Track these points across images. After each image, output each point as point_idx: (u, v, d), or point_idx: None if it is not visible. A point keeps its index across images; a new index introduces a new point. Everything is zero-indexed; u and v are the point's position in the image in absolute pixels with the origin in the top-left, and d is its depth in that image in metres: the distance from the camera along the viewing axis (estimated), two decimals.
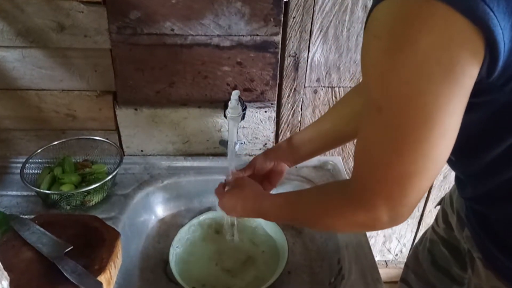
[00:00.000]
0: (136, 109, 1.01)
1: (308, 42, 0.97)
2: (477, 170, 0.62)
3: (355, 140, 1.01)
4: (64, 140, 0.99)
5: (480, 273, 0.68)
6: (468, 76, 0.44)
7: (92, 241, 0.76)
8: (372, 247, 0.87)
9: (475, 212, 0.68)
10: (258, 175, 0.86)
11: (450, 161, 0.67)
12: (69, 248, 0.73)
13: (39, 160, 0.98)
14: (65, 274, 0.67)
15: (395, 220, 0.52)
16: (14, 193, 0.95)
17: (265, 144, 1.08)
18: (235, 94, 0.85)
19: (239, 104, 0.86)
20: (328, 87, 1.04)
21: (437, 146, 0.47)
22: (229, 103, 0.85)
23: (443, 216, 0.85)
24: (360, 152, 0.54)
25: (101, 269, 0.70)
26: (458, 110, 0.46)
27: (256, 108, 1.02)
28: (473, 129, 0.54)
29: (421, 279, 0.93)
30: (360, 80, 1.03)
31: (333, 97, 1.06)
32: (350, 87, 1.04)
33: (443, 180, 1.22)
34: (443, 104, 0.44)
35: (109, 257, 0.73)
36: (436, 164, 0.48)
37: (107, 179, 0.90)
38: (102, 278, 0.69)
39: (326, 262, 0.91)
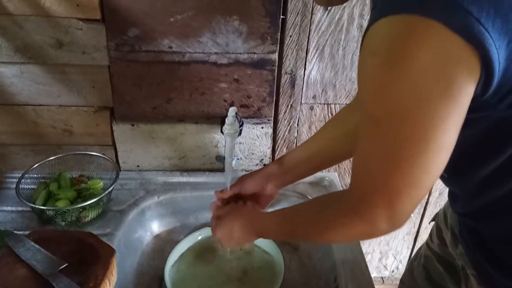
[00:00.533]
0: (133, 125, 1.01)
1: (304, 60, 0.98)
2: (470, 186, 0.63)
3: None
4: (60, 155, 0.99)
5: None
6: (464, 93, 0.45)
7: (87, 258, 0.75)
8: (368, 264, 0.86)
9: (469, 228, 0.68)
10: (245, 195, 0.85)
11: (443, 177, 0.68)
12: (64, 265, 0.72)
13: (35, 175, 0.97)
14: None
15: (393, 227, 0.54)
16: (9, 208, 0.94)
17: (262, 159, 1.08)
18: (232, 110, 0.85)
19: (236, 120, 0.87)
20: (324, 104, 1.05)
21: (433, 160, 0.48)
22: (226, 120, 0.85)
23: (437, 232, 0.85)
24: (359, 164, 0.55)
25: (96, 287, 0.69)
26: (454, 127, 0.47)
27: (253, 124, 1.03)
28: (467, 145, 0.55)
29: None
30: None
31: (329, 114, 1.07)
32: (346, 104, 1.05)
33: (439, 196, 1.23)
34: (440, 120, 0.45)
35: (104, 274, 0.72)
36: (431, 176, 0.50)
37: (102, 195, 0.90)
38: None
39: (323, 280, 0.91)
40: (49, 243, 0.78)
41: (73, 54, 0.92)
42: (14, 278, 0.70)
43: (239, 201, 0.84)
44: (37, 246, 0.76)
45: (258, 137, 1.04)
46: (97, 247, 0.77)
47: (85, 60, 0.92)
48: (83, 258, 0.75)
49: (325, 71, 1.00)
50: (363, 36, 0.50)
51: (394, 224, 0.53)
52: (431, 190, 1.22)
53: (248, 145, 1.06)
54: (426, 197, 1.24)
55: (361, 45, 0.51)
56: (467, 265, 0.70)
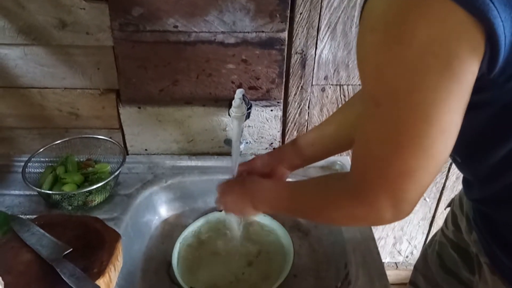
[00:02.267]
0: (139, 108, 0.99)
1: (315, 38, 0.94)
2: (483, 172, 0.60)
3: None
4: (67, 139, 0.98)
5: (487, 279, 0.66)
6: (467, 71, 0.42)
7: (92, 243, 0.74)
8: (381, 249, 0.84)
9: (482, 215, 0.66)
10: (256, 174, 0.83)
11: (456, 162, 0.65)
12: (69, 251, 0.71)
13: (42, 159, 0.97)
14: (63, 277, 0.66)
15: (397, 216, 0.51)
16: (17, 192, 0.94)
17: (271, 143, 1.05)
18: (239, 93, 0.82)
19: (243, 103, 0.84)
20: (337, 85, 1.01)
21: (436, 143, 0.45)
22: (233, 102, 0.83)
23: (452, 218, 0.82)
24: (360, 147, 0.53)
25: (100, 272, 0.68)
26: (458, 107, 0.44)
27: (262, 106, 0.99)
28: (478, 128, 0.52)
29: (430, 282, 0.90)
30: None
31: (342, 96, 1.02)
32: (359, 85, 1.01)
33: (456, 180, 1.18)
34: (442, 100, 0.43)
35: (109, 259, 0.71)
36: (436, 160, 0.47)
37: (109, 179, 0.88)
38: (101, 281, 0.68)
39: (333, 266, 0.88)
40: (54, 228, 0.77)
41: (77, 35, 0.89)
42: (19, 263, 0.69)
43: None
44: (42, 231, 0.75)
45: (267, 120, 1.01)
46: (103, 232, 0.76)
47: (89, 41, 0.90)
48: (88, 243, 0.74)
49: (338, 50, 0.96)
50: (362, 9, 0.47)
51: (398, 212, 0.50)
52: (448, 173, 1.17)
53: (257, 128, 1.03)
54: (443, 181, 1.19)
55: (360, 18, 0.48)
56: (480, 252, 0.67)
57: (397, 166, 0.47)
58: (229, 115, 0.96)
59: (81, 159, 1.00)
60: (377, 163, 0.49)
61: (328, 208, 0.59)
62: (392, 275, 1.41)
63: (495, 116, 0.50)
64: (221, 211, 1.00)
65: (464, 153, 0.53)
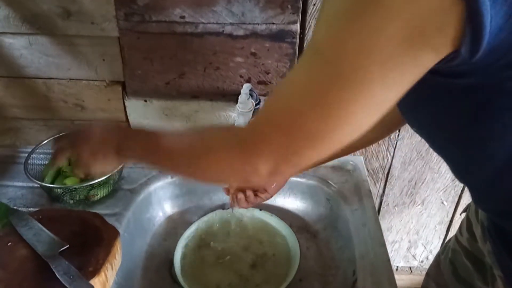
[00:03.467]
0: (145, 101, 0.96)
1: None
2: (480, 180, 0.54)
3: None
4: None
5: None
6: (429, 49, 0.37)
7: (90, 240, 0.72)
8: (395, 252, 0.79)
9: (496, 226, 0.61)
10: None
11: (451, 168, 0.59)
12: (64, 247, 0.69)
13: (47, 151, 0.95)
14: (57, 275, 0.64)
15: (272, 175, 0.46)
16: (20, 184, 0.93)
17: None
18: (245, 88, 0.79)
19: (250, 98, 0.80)
20: None
21: (358, 114, 0.40)
22: (239, 98, 0.79)
23: (467, 225, 0.77)
24: (274, 95, 0.46)
25: (96, 271, 0.66)
26: (399, 85, 0.39)
27: None
28: (469, 124, 0.46)
29: None
30: None
31: None
32: None
33: None
34: (388, 70, 0.37)
35: (106, 258, 0.69)
36: (346, 133, 0.42)
37: (111, 173, 0.86)
38: (96, 281, 0.65)
39: (341, 272, 0.84)
40: (53, 223, 0.75)
41: (82, 25, 0.87)
42: (14, 259, 0.68)
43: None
44: (39, 225, 0.73)
45: None
46: (101, 229, 0.74)
47: (94, 31, 0.87)
48: (86, 239, 0.72)
49: None
50: None
51: (276, 172, 0.45)
52: None
53: None
54: (462, 184, 1.13)
55: None
56: (494, 264, 0.63)
57: (303, 121, 0.42)
58: None
59: None
60: (283, 111, 0.43)
61: (200, 157, 0.51)
62: (406, 279, 1.36)
63: (484, 107, 0.44)
64: (227, 209, 0.97)
65: (460, 160, 0.47)
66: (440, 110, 0.47)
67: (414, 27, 0.35)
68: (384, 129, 0.75)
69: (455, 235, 0.83)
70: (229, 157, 0.48)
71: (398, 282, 0.75)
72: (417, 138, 1.03)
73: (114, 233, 0.74)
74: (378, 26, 0.36)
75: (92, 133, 0.62)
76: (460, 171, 0.57)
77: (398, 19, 0.35)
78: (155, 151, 0.56)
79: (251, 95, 0.83)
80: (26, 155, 0.92)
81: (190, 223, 0.94)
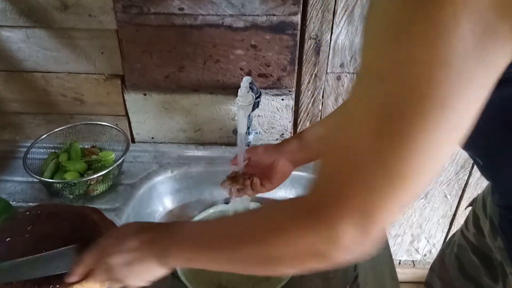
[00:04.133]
0: (145, 94, 0.95)
1: (331, 23, 0.87)
2: (507, 177, 0.53)
3: None
4: (70, 125, 0.95)
5: None
6: (503, 49, 0.32)
7: (88, 236, 0.71)
8: (398, 246, 0.78)
9: (510, 222, 0.59)
10: (255, 167, 0.75)
11: (478, 165, 0.58)
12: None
13: (47, 145, 0.95)
14: None
15: (360, 240, 0.36)
16: (19, 179, 0.92)
17: (282, 134, 1.00)
18: (245, 81, 0.77)
19: (250, 91, 0.79)
20: (353, 73, 0.94)
21: (446, 140, 0.34)
22: (238, 91, 0.78)
23: (474, 220, 0.76)
24: (335, 139, 0.39)
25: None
26: (482, 95, 0.33)
27: (272, 95, 0.94)
28: (503, 121, 0.44)
29: (447, 285, 0.84)
30: None
31: None
32: None
33: (480, 178, 1.11)
34: (468, 82, 0.32)
35: None
36: (435, 166, 0.35)
37: (110, 168, 0.85)
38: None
39: (342, 268, 0.83)
40: (52, 218, 0.74)
41: (79, 17, 0.85)
42: (11, 255, 0.67)
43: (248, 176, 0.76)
44: None
45: (278, 110, 0.96)
46: (100, 225, 0.73)
47: (92, 23, 0.86)
48: (84, 236, 0.71)
49: (355, 35, 0.89)
50: None
51: (365, 238, 0.36)
52: (471, 170, 1.10)
53: (267, 118, 0.97)
54: (466, 178, 1.12)
55: None
56: (506, 261, 0.61)
57: (382, 170, 0.34)
58: None
59: (86, 146, 0.97)
60: (355, 163, 0.35)
61: (266, 241, 0.41)
62: (408, 273, 1.36)
63: None
64: (227, 203, 0.97)
65: (486, 154, 0.44)
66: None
67: (485, 20, 0.30)
68: None
69: (461, 230, 0.81)
70: (303, 234, 0.38)
71: (400, 276, 0.74)
72: None
73: (113, 228, 0.73)
74: (444, 27, 0.30)
75: (125, 240, 0.52)
76: (491, 167, 0.55)
77: (466, 13, 0.30)
78: (207, 249, 0.47)
79: (251, 88, 0.82)
80: (25, 149, 0.91)
81: (191, 218, 0.94)
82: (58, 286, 0.62)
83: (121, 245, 0.52)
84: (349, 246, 0.36)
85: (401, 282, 0.73)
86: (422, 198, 1.17)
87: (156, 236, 0.51)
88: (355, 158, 0.35)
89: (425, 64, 0.32)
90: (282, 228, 0.40)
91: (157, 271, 0.51)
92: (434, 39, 0.31)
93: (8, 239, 0.70)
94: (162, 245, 0.49)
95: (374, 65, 0.35)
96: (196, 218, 0.93)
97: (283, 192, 0.98)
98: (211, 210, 0.95)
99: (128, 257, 0.51)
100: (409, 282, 1.37)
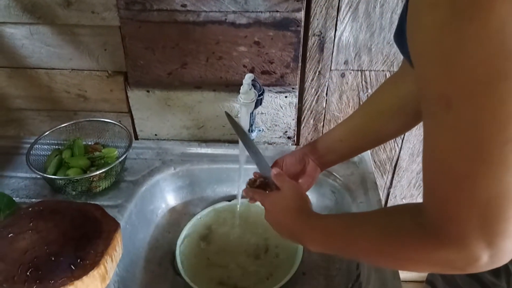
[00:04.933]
0: (148, 91, 0.95)
1: (335, 19, 0.86)
2: None
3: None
4: (73, 121, 0.95)
5: None
6: None
7: (90, 233, 0.71)
8: None
9: None
10: (287, 174, 0.75)
11: None
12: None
13: (51, 142, 0.95)
14: None
15: (495, 257, 0.39)
16: (23, 175, 0.92)
17: (285, 132, 0.99)
18: (247, 78, 0.77)
19: (252, 89, 0.78)
20: (358, 70, 0.93)
21: None
22: (241, 88, 0.77)
23: None
24: (431, 167, 0.41)
25: (95, 264, 0.66)
26: None
27: (276, 93, 0.93)
28: None
29: (449, 282, 0.83)
30: (394, 63, 0.92)
31: (363, 82, 0.95)
32: (383, 70, 0.93)
33: None
34: None
35: (105, 250, 0.68)
36: None
37: (112, 165, 0.85)
38: (95, 273, 0.65)
39: (345, 266, 0.83)
40: (54, 214, 0.75)
41: (82, 14, 0.85)
42: (13, 250, 0.67)
43: None
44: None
45: (281, 107, 0.95)
46: (101, 221, 0.74)
47: (95, 20, 0.86)
48: (85, 232, 0.71)
49: (360, 32, 0.88)
50: None
51: (497, 252, 0.39)
52: None
53: (271, 115, 0.97)
54: None
55: None
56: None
57: (488, 187, 0.36)
58: None
59: (90, 143, 0.97)
60: (459, 186, 0.38)
61: (397, 253, 0.47)
62: (404, 272, 1.34)
63: None
64: (230, 201, 0.96)
65: None
66: None
67: None
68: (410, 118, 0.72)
69: None
70: (435, 257, 0.42)
71: (403, 275, 0.73)
72: None
73: (115, 225, 0.73)
74: (510, 49, 0.31)
75: (276, 218, 0.66)
76: None
77: None
78: (342, 248, 0.56)
79: (254, 85, 0.81)
80: (29, 146, 0.91)
81: (194, 215, 0.94)
82: (57, 281, 0.62)
83: (281, 232, 0.66)
84: (481, 261, 0.39)
85: (403, 282, 0.72)
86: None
87: (295, 224, 0.62)
88: (459, 182, 0.38)
89: (486, 83, 0.33)
90: (411, 248, 0.45)
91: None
92: (485, 55, 0.32)
93: (10, 235, 0.71)
94: (305, 238, 0.60)
95: (435, 90, 0.36)
96: (199, 216, 0.93)
97: None
98: (214, 207, 0.94)
99: (281, 231, 0.65)
100: (411, 281, 1.36)
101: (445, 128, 0.37)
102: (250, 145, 0.74)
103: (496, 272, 0.69)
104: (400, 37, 0.50)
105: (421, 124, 1.04)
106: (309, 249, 0.60)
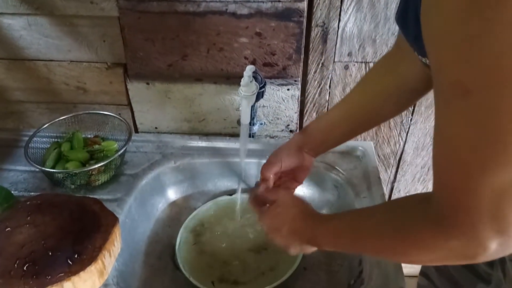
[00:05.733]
0: (148, 83, 0.94)
1: (339, 9, 0.84)
2: None
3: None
4: (72, 114, 0.94)
5: None
6: None
7: (88, 227, 0.70)
8: None
9: None
10: (285, 172, 0.74)
11: None
12: None
13: (51, 134, 0.94)
14: None
15: (506, 246, 0.39)
16: (22, 168, 0.91)
17: (288, 125, 0.98)
18: (248, 70, 0.75)
19: (253, 81, 0.77)
20: (362, 62, 0.91)
21: None
22: (241, 80, 0.75)
23: None
24: (443, 156, 0.40)
25: (93, 258, 0.65)
26: None
27: (278, 85, 0.91)
28: None
29: (442, 273, 0.82)
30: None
31: None
32: None
33: None
34: None
35: (103, 245, 0.67)
36: None
37: (111, 158, 0.84)
38: (92, 268, 0.64)
39: (347, 262, 0.81)
40: (52, 208, 0.74)
41: (81, 4, 0.84)
42: (10, 245, 0.67)
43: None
44: None
45: (283, 100, 0.93)
46: (100, 215, 0.73)
47: (94, 10, 0.85)
48: (83, 226, 0.70)
49: (364, 23, 0.86)
50: None
51: (509, 241, 0.39)
52: None
53: (273, 108, 0.95)
54: None
55: None
56: None
57: (500, 177, 0.36)
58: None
59: (89, 136, 0.96)
60: (471, 177, 0.37)
61: (412, 247, 0.46)
62: (416, 266, 1.33)
63: None
64: (231, 195, 0.95)
65: None
66: None
67: None
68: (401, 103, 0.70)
69: None
70: (445, 247, 0.42)
71: (406, 270, 0.71)
72: (431, 122, 0.99)
73: (113, 220, 0.72)
74: None
75: (282, 231, 0.63)
76: None
77: None
78: (349, 243, 0.56)
79: (255, 77, 0.79)
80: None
81: (194, 209, 0.92)
82: (55, 276, 0.62)
83: (280, 231, 0.63)
84: (491, 250, 0.39)
85: (406, 276, 0.71)
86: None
87: (306, 227, 0.61)
88: (471, 173, 0.37)
89: (508, 68, 0.32)
90: (421, 239, 0.44)
91: (311, 249, 0.63)
92: (508, 41, 0.31)
93: (8, 229, 0.70)
94: (312, 238, 0.60)
95: (452, 77, 0.35)
96: (200, 210, 0.91)
97: None
98: (215, 201, 0.93)
99: (287, 239, 0.63)
100: (415, 276, 1.34)
101: (460, 116, 0.36)
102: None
103: (490, 261, 0.68)
104: (404, 18, 0.48)
105: (426, 117, 1.02)
106: (320, 249, 0.60)
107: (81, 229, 0.70)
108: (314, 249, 0.64)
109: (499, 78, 0.32)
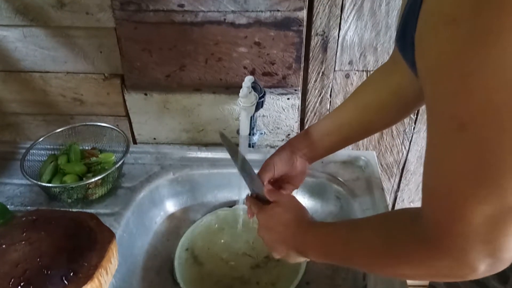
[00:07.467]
0: (146, 94, 0.92)
1: (339, 18, 0.83)
2: None
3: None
4: (69, 126, 0.92)
5: None
6: None
7: (83, 244, 0.68)
8: None
9: None
10: (280, 177, 0.73)
11: None
12: None
13: (47, 147, 0.92)
14: None
15: (494, 267, 0.40)
16: (18, 181, 0.90)
17: (288, 134, 0.96)
18: (247, 80, 0.74)
19: (252, 92, 0.75)
20: (363, 71, 0.90)
21: None
22: (240, 91, 0.74)
23: None
24: (433, 181, 0.40)
25: (88, 277, 0.63)
26: None
27: (278, 94, 0.90)
28: None
29: (451, 286, 0.80)
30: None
31: None
32: None
33: None
34: None
35: (99, 263, 0.65)
36: None
37: (108, 172, 0.82)
38: (88, 287, 0.62)
39: (351, 276, 0.80)
40: (47, 224, 0.72)
41: (76, 15, 0.82)
42: (4, 263, 0.65)
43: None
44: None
45: (283, 110, 0.92)
46: (96, 232, 0.71)
47: (89, 21, 0.83)
48: (79, 243, 0.69)
49: (364, 31, 0.84)
50: None
51: (497, 263, 0.39)
52: None
53: (273, 118, 0.93)
54: None
55: (421, 3, 0.36)
56: None
57: (493, 206, 0.36)
58: None
59: (87, 148, 0.94)
60: (464, 204, 0.37)
61: (396, 262, 0.47)
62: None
63: None
64: (231, 207, 0.93)
65: None
66: None
67: None
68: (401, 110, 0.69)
69: None
70: (432, 266, 0.42)
71: (412, 281, 0.69)
72: None
73: (109, 236, 0.70)
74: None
75: (273, 232, 0.64)
76: None
77: None
78: (339, 257, 0.56)
79: (254, 87, 0.78)
80: (25, 151, 0.89)
81: (193, 222, 0.91)
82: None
83: (272, 239, 0.64)
84: (480, 270, 0.40)
85: (411, 286, 0.68)
86: None
87: (295, 236, 0.61)
88: (463, 201, 0.37)
89: (505, 106, 0.32)
90: (409, 258, 0.45)
91: (301, 258, 0.63)
92: (507, 78, 0.31)
93: (3, 246, 0.68)
94: (300, 246, 0.60)
95: (447, 111, 0.35)
96: (200, 222, 0.90)
97: None
98: (215, 213, 0.92)
99: (278, 247, 0.63)
100: (412, 286, 1.32)
101: (453, 147, 0.36)
102: (244, 167, 0.71)
103: (502, 277, 0.66)
104: (403, 41, 0.46)
105: None
106: (311, 259, 0.59)
107: (77, 246, 0.68)
108: (301, 259, 0.63)
109: (494, 113, 0.32)
